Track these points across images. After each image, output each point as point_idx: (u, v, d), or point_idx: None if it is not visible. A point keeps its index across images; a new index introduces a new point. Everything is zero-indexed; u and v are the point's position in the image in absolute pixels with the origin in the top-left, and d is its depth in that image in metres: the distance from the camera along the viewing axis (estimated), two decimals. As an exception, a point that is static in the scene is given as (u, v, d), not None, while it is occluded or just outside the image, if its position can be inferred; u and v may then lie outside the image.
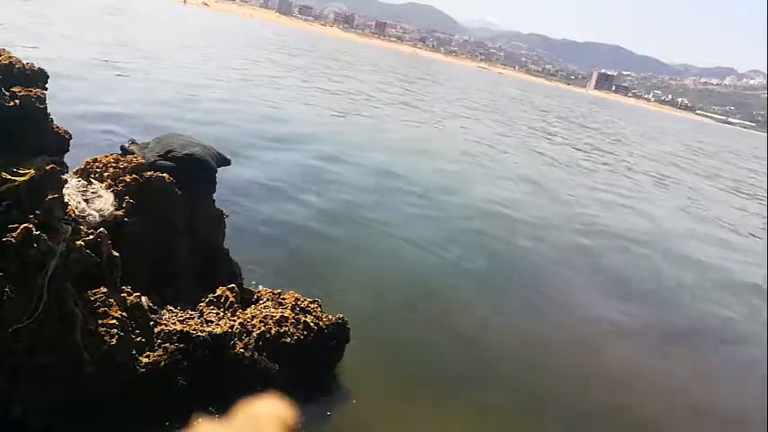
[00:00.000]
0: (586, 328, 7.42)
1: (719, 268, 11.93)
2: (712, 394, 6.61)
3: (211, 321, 4.58)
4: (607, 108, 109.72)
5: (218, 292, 4.90)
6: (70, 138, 4.09)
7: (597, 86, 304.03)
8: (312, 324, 4.97)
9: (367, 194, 11.09)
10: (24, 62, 4.00)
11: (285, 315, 4.86)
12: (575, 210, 14.11)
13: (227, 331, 4.48)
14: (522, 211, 12.56)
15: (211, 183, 5.31)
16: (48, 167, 3.58)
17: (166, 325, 4.27)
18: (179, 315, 4.52)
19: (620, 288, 9.19)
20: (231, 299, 4.88)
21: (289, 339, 4.74)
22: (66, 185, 3.97)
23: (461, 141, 21.38)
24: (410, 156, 15.87)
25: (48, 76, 4.09)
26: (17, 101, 3.73)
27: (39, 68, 4.05)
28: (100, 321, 3.74)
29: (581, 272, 9.51)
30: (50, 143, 3.93)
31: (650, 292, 9.42)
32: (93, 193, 4.46)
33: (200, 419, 0.65)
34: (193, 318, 4.58)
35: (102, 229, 3.97)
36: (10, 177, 3.37)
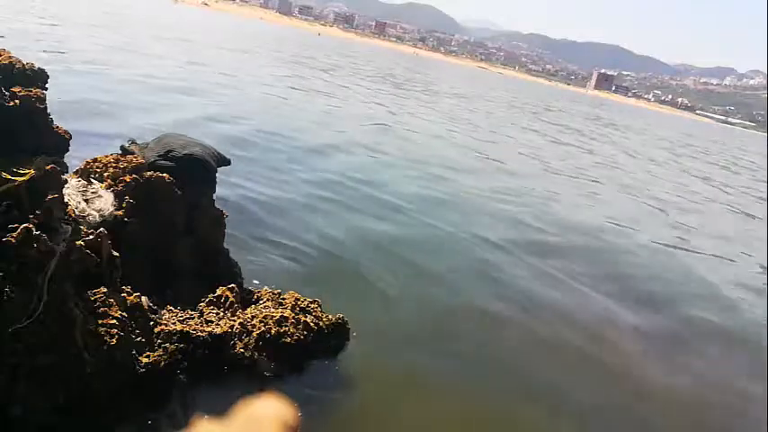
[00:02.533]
0: (591, 319, 7.42)
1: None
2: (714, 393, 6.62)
3: (211, 321, 4.59)
4: (605, 108, 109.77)
5: (218, 292, 4.90)
6: (70, 138, 4.09)
7: (597, 86, 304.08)
8: (312, 324, 4.97)
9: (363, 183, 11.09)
10: (24, 62, 4.00)
11: (285, 315, 4.87)
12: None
13: (227, 331, 4.48)
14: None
15: (211, 182, 5.32)
16: (48, 167, 3.57)
17: (166, 325, 4.27)
18: (179, 315, 4.52)
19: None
20: (231, 299, 4.89)
21: (289, 339, 4.74)
22: (66, 185, 3.97)
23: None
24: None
25: (48, 76, 4.09)
26: (17, 101, 3.73)
27: (39, 68, 4.04)
28: (100, 321, 3.74)
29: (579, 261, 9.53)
30: (50, 143, 3.93)
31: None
32: (93, 193, 4.46)
33: (200, 419, 0.65)
34: (193, 318, 4.58)
35: (102, 229, 3.97)
36: (10, 177, 3.37)
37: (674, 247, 12.65)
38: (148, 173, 4.80)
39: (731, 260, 12.88)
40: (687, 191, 22.08)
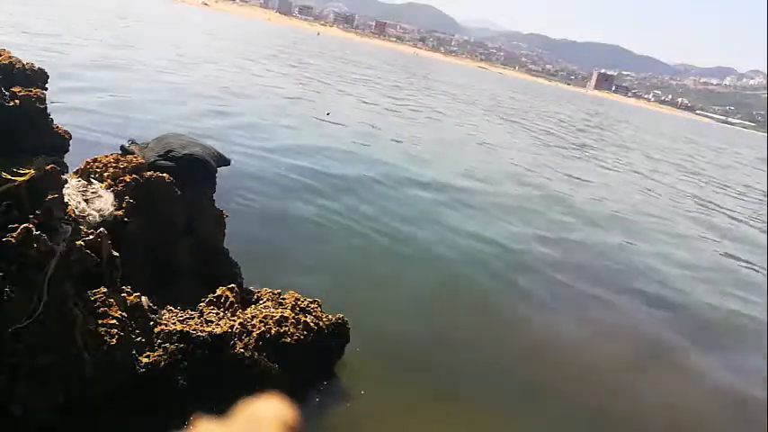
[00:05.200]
0: (587, 326, 7.42)
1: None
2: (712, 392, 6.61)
3: (211, 321, 4.58)
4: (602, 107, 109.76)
5: (218, 292, 4.90)
6: (70, 138, 4.09)
7: (597, 86, 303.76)
8: (312, 324, 4.97)
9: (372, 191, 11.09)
10: (24, 62, 4.00)
11: (285, 315, 4.87)
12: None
13: (227, 331, 4.48)
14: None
15: (211, 182, 5.31)
16: (48, 167, 3.57)
17: (166, 325, 4.27)
18: (179, 315, 4.52)
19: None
20: (231, 299, 4.88)
21: (289, 339, 4.74)
22: (66, 185, 3.97)
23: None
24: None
25: (47, 76, 4.08)
26: (17, 101, 3.73)
27: (39, 68, 4.04)
28: (100, 321, 3.74)
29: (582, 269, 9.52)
30: (50, 143, 3.93)
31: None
32: (93, 193, 4.46)
33: (200, 419, 0.65)
34: (193, 318, 4.58)
35: (102, 229, 3.97)
36: (10, 177, 3.37)
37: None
38: (148, 173, 4.80)
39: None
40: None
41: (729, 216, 18.76)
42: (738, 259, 13.12)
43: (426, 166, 14.81)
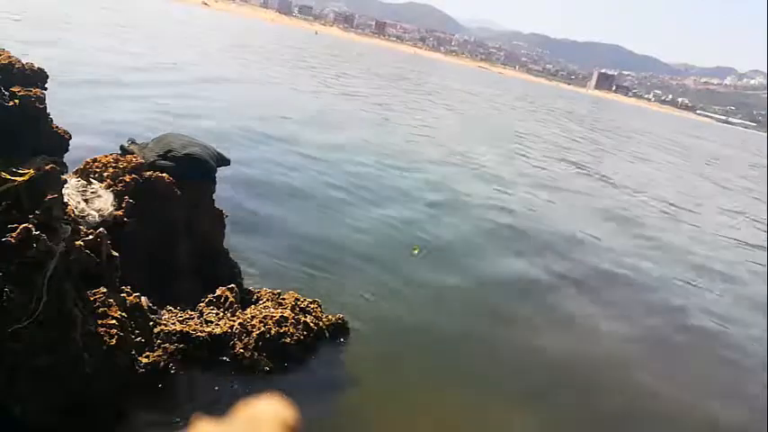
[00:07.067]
0: (586, 325, 7.42)
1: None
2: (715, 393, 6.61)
3: (211, 321, 4.59)
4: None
5: (218, 292, 4.90)
6: (70, 138, 4.09)
7: (598, 86, 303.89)
8: (312, 324, 4.97)
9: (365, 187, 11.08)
10: (24, 62, 3.99)
11: (285, 315, 4.87)
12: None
13: (226, 331, 4.48)
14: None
15: (211, 182, 5.31)
16: (47, 167, 3.57)
17: (166, 325, 4.27)
18: (179, 315, 4.52)
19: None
20: (231, 299, 4.89)
21: (289, 339, 4.74)
22: (65, 185, 3.96)
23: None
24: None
25: (47, 76, 4.08)
26: (17, 101, 3.72)
27: (38, 68, 4.04)
28: (100, 321, 3.74)
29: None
30: (50, 143, 3.93)
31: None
32: (92, 192, 4.46)
33: (200, 420, 0.65)
34: (193, 318, 4.58)
35: (101, 229, 3.97)
36: (10, 177, 3.37)
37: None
38: (148, 173, 4.80)
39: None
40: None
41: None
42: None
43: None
